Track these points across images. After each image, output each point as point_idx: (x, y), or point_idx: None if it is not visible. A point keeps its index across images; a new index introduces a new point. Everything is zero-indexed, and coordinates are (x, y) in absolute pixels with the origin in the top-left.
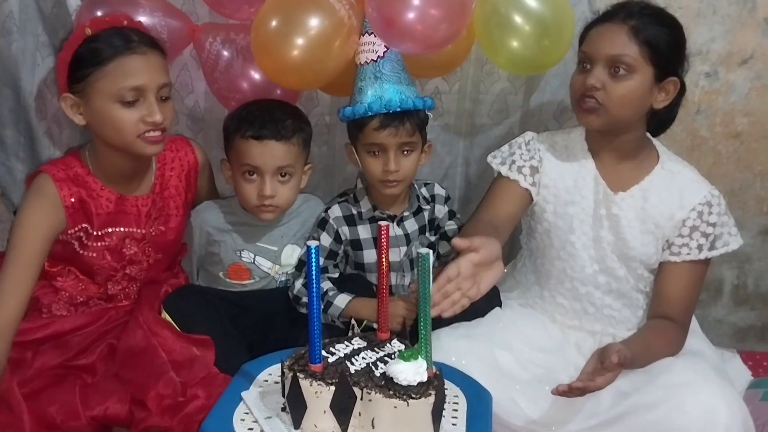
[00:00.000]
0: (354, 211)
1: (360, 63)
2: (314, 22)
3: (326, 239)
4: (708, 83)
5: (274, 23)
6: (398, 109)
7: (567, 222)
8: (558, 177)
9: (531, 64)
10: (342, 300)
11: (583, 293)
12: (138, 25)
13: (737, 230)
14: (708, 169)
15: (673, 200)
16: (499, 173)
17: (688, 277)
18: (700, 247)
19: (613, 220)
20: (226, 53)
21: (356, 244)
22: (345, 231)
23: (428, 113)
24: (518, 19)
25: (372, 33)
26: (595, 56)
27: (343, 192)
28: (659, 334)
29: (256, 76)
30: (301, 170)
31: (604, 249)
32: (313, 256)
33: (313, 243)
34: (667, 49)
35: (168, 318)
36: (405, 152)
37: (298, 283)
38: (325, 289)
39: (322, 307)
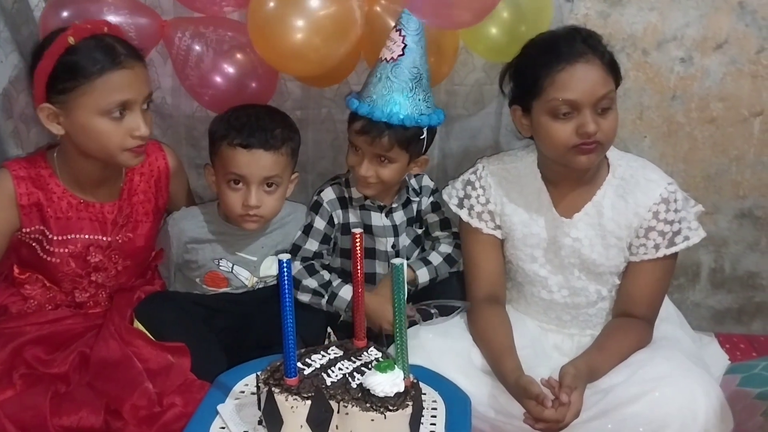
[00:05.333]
0: (346, 195)
1: (379, 57)
2: (317, 3)
3: (320, 223)
4: (683, 68)
5: (271, 4)
6: (383, 120)
7: (528, 253)
8: (513, 212)
9: (508, 50)
10: (348, 291)
11: (553, 317)
12: (116, 29)
13: (698, 223)
14: (684, 155)
15: (627, 209)
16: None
17: (649, 275)
18: (656, 247)
19: (575, 245)
20: (197, 47)
21: (346, 229)
22: (339, 214)
23: (423, 130)
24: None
25: (398, 30)
26: (584, 102)
27: (335, 176)
28: (619, 335)
29: (229, 69)
30: (288, 180)
31: (572, 273)
32: (285, 270)
33: (284, 256)
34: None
35: (140, 326)
36: (382, 160)
37: (297, 263)
38: (327, 279)
39: (326, 299)
